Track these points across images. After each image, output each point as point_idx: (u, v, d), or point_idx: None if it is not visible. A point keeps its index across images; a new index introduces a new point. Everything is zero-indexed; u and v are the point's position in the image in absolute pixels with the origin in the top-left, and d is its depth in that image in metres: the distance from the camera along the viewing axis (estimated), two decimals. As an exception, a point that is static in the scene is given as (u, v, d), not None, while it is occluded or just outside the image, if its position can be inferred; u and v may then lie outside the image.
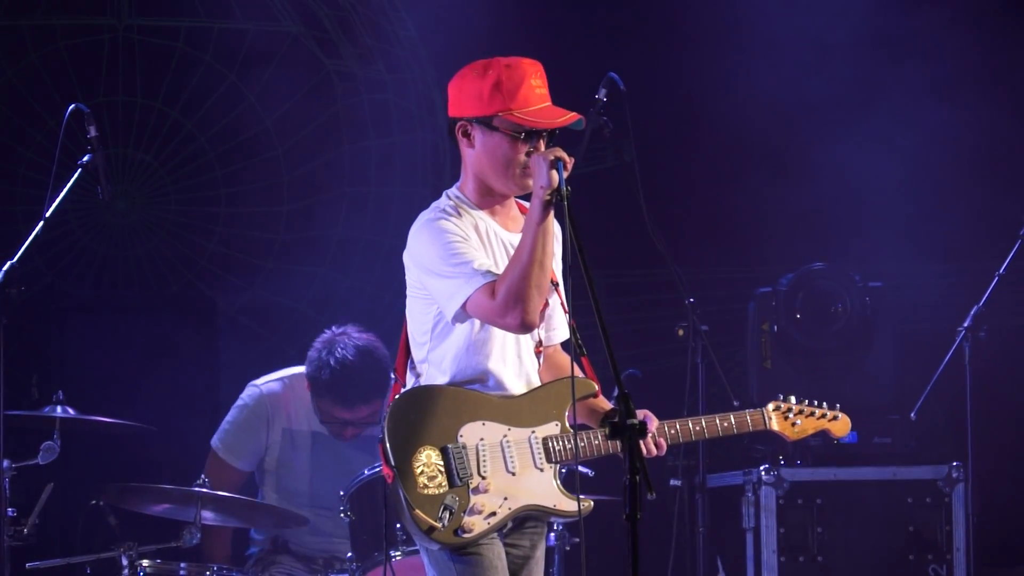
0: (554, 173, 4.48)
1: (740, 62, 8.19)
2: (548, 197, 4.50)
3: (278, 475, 6.88)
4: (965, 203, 8.13)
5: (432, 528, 4.54)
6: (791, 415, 4.99)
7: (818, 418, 5.03)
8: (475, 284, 4.55)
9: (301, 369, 6.80)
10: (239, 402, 6.90)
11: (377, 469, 5.95)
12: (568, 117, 4.63)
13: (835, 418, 5.05)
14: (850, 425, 5.06)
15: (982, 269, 7.18)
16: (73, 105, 5.99)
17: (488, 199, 4.73)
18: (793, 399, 5.00)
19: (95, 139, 6.00)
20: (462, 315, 4.60)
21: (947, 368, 6.98)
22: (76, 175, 6.02)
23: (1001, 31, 8.26)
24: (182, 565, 6.33)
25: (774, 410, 4.97)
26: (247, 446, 6.87)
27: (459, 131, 4.71)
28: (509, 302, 4.49)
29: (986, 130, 8.16)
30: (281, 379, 6.89)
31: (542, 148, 4.62)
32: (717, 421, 4.83)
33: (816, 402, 5.05)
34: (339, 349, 6.66)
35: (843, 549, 7.17)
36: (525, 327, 4.55)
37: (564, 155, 4.54)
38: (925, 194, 8.16)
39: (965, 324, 6.92)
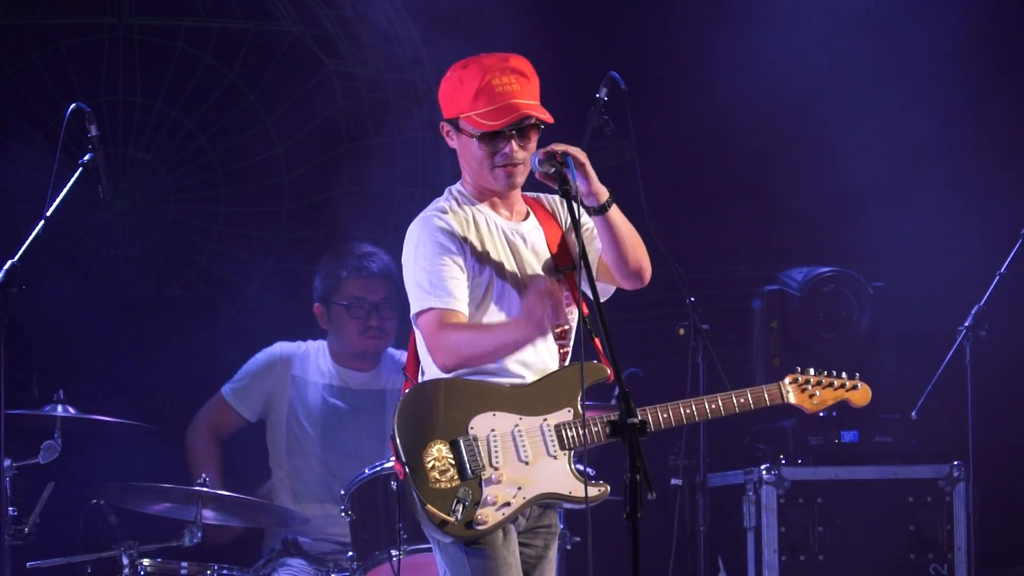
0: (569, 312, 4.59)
1: (741, 61, 8.19)
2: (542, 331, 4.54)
3: (288, 439, 6.90)
4: (967, 202, 8.13)
5: (445, 522, 4.53)
6: (809, 386, 4.92)
7: (836, 388, 4.96)
8: (425, 303, 4.58)
9: (316, 342, 7.02)
10: (253, 357, 7.07)
11: (378, 468, 5.96)
12: (521, 113, 4.60)
13: (855, 387, 4.99)
14: (870, 394, 4.99)
15: (983, 268, 7.18)
16: (74, 104, 6.00)
17: (487, 192, 4.75)
18: (812, 371, 4.94)
19: (96, 138, 6.01)
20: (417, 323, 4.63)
21: (948, 367, 6.98)
22: (77, 174, 6.03)
23: (1009, 28, 8.26)
24: (183, 564, 6.34)
25: (791, 383, 4.90)
26: (254, 393, 7.04)
27: (443, 132, 4.78)
28: (450, 354, 4.56)
29: (988, 129, 8.16)
30: (297, 343, 7.09)
31: (514, 147, 4.63)
32: (733, 398, 4.77)
33: (835, 372, 4.98)
34: (352, 245, 7.08)
35: (844, 548, 7.17)
36: (442, 370, 4.59)
37: (569, 149, 4.53)
38: (926, 193, 8.16)
39: (966, 323, 6.93)
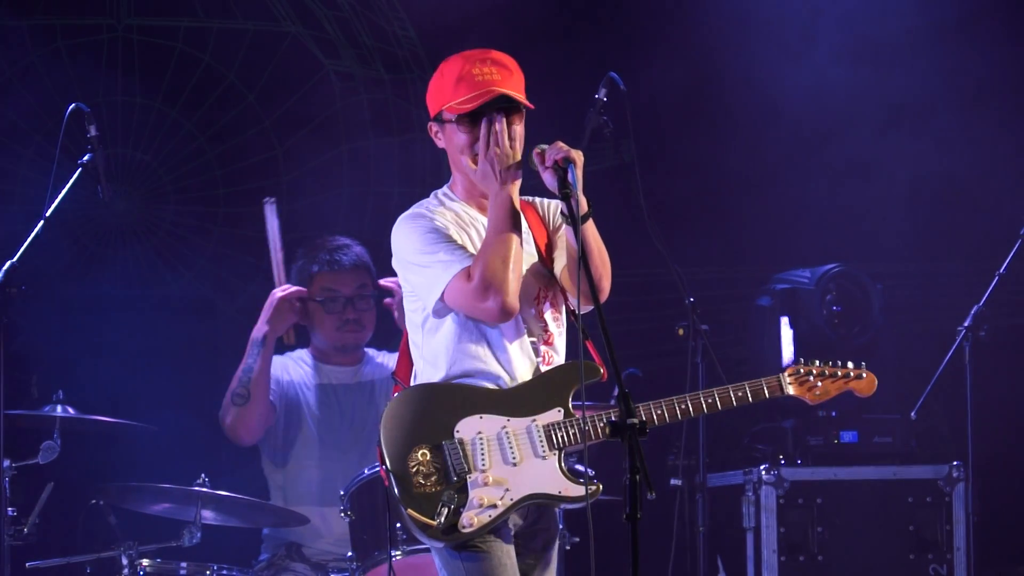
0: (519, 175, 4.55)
1: (742, 62, 8.19)
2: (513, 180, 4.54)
3: (284, 446, 6.89)
4: (966, 202, 8.13)
5: (427, 526, 4.52)
6: (811, 378, 4.82)
7: (840, 378, 4.85)
8: (452, 271, 4.55)
9: (294, 352, 6.99)
10: None
11: (377, 468, 5.95)
12: (495, 93, 4.60)
13: (859, 376, 4.87)
14: (876, 383, 4.86)
15: (982, 268, 7.18)
16: (73, 105, 6.00)
17: (475, 194, 4.74)
18: (818, 362, 4.84)
19: (95, 139, 6.02)
20: (442, 307, 4.60)
21: (947, 367, 6.98)
22: (76, 175, 6.05)
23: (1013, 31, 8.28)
24: (182, 565, 6.34)
25: (791, 375, 4.81)
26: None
27: (431, 134, 4.78)
28: (485, 284, 4.49)
29: (988, 129, 8.16)
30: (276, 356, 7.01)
31: (497, 128, 4.61)
32: (731, 392, 4.69)
33: (840, 362, 4.88)
34: (325, 239, 7.02)
35: (843, 548, 7.17)
36: (504, 312, 4.53)
37: (571, 153, 4.52)
38: (925, 193, 8.17)
39: (965, 323, 6.93)
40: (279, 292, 6.85)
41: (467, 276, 4.53)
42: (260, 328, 6.82)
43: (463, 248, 4.60)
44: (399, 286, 6.78)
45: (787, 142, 8.23)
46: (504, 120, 4.59)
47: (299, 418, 6.91)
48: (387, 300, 6.90)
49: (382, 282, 6.90)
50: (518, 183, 4.60)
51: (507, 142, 4.57)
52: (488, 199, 4.66)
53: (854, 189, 8.28)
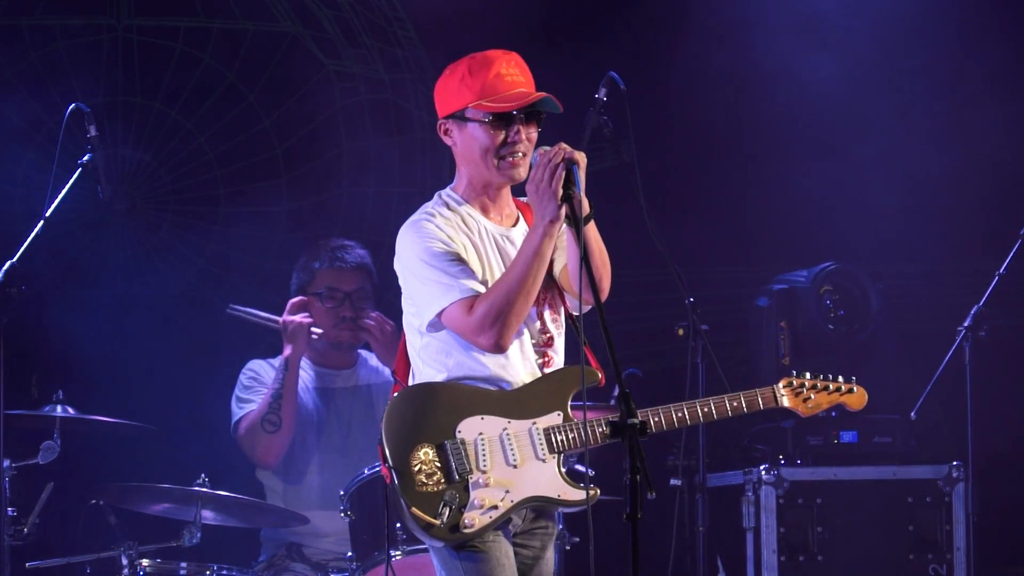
0: (563, 209, 4.49)
1: (742, 63, 8.19)
2: (552, 219, 4.50)
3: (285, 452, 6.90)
4: (966, 202, 8.13)
5: (431, 525, 4.53)
6: (804, 390, 4.90)
7: (832, 392, 4.93)
8: (451, 297, 4.56)
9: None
10: (238, 383, 7.00)
11: (377, 468, 5.96)
12: (534, 96, 4.63)
13: (851, 391, 4.96)
14: (866, 398, 4.96)
15: (982, 268, 7.18)
16: (73, 105, 6.01)
17: (479, 195, 4.74)
18: (808, 375, 4.91)
19: (95, 139, 6.03)
20: (437, 324, 4.61)
21: (947, 367, 6.98)
22: (76, 175, 6.05)
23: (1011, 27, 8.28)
24: (182, 565, 6.35)
25: (785, 387, 4.88)
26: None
27: (441, 131, 4.76)
28: (487, 322, 4.52)
29: (988, 129, 8.16)
30: (270, 360, 7.02)
31: (522, 134, 4.63)
32: (726, 401, 4.76)
33: (831, 376, 4.96)
34: (328, 240, 7.10)
35: (843, 549, 7.17)
36: (498, 348, 4.56)
37: (575, 154, 4.52)
38: (925, 193, 8.16)
39: (965, 323, 6.92)
40: (281, 320, 6.89)
41: (468, 308, 4.54)
42: (283, 354, 6.86)
43: (463, 268, 4.60)
44: (377, 326, 6.87)
45: (788, 142, 8.22)
46: (564, 166, 4.52)
47: (299, 424, 6.91)
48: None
49: (363, 323, 6.95)
50: (559, 225, 4.56)
51: (560, 187, 4.50)
52: (492, 198, 4.71)
53: (855, 189, 8.27)
